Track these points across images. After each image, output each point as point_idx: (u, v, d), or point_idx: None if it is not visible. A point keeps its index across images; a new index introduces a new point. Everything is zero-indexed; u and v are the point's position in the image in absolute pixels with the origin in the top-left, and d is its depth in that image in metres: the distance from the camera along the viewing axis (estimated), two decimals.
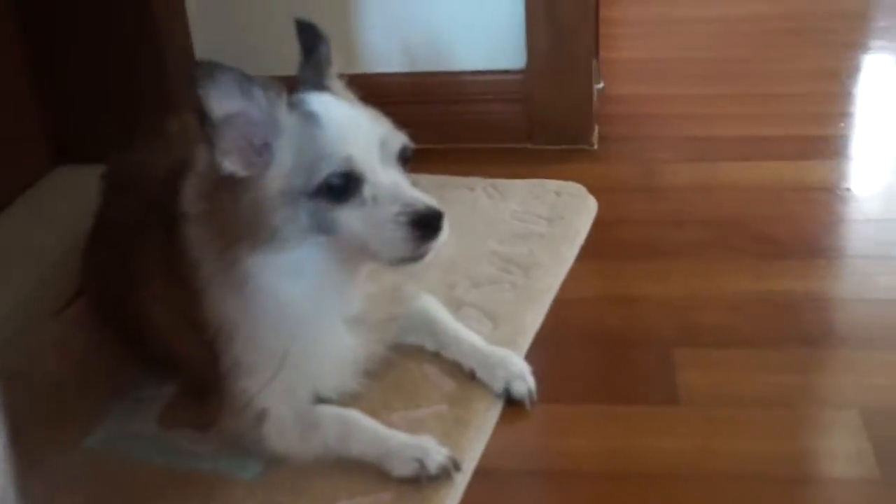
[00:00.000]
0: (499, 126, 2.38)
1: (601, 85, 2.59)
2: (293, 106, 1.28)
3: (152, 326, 1.47)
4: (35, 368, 1.62)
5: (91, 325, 1.69)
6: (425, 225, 1.24)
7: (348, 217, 1.25)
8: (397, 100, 2.37)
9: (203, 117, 1.21)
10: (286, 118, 1.27)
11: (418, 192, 1.28)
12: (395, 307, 1.51)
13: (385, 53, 2.39)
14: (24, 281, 1.89)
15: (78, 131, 2.33)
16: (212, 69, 1.20)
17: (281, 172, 1.25)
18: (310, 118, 1.27)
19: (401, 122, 2.25)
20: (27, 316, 1.79)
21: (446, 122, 2.39)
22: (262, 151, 1.26)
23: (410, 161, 1.33)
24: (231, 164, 1.25)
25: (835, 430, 1.39)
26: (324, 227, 1.26)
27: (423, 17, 2.34)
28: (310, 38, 1.39)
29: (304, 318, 1.35)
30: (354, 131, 1.27)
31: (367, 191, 1.25)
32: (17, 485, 0.88)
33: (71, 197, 2.14)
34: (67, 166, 2.35)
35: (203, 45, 2.39)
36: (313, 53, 1.39)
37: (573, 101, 2.33)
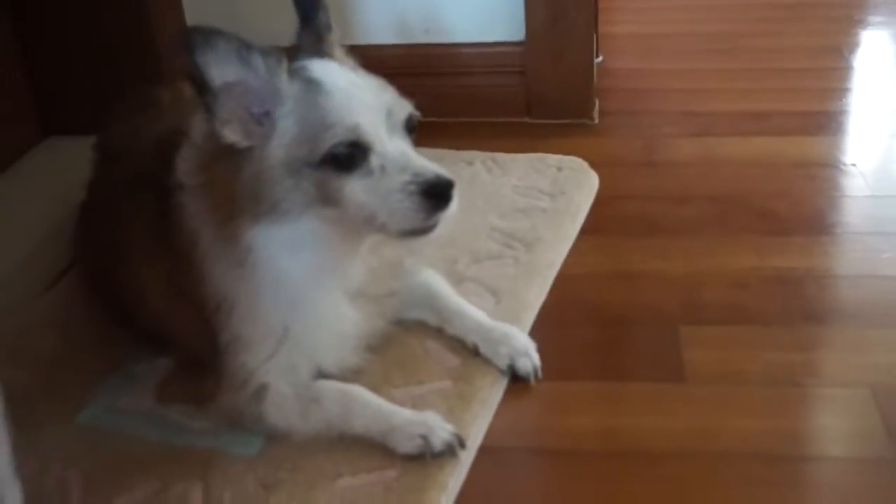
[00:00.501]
0: (497, 100, 2.35)
1: (600, 59, 2.57)
2: (294, 73, 1.24)
3: (146, 299, 1.45)
4: (27, 343, 1.59)
5: (84, 299, 1.66)
6: (436, 194, 1.20)
7: (354, 188, 1.21)
8: (394, 72, 2.31)
9: (201, 86, 1.17)
10: (287, 86, 1.23)
11: (427, 161, 1.24)
12: (395, 281, 1.48)
13: (381, 24, 2.35)
14: (14, 254, 1.86)
15: (68, 102, 2.29)
16: (210, 35, 1.16)
17: (283, 142, 1.22)
18: (312, 85, 1.23)
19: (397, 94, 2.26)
20: (18, 290, 1.75)
21: (443, 94, 2.35)
22: (262, 121, 1.22)
23: (416, 131, 1.30)
24: (231, 134, 1.21)
25: (844, 408, 1.38)
26: (329, 199, 1.22)
27: None
28: (307, 3, 1.36)
29: (304, 291, 1.32)
30: (360, 99, 1.23)
31: (374, 160, 1.21)
32: (14, 459, 0.85)
33: (61, 168, 2.10)
34: (57, 137, 2.31)
35: (194, 15, 2.34)
36: (311, 20, 1.35)
37: (573, 74, 2.30)
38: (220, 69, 1.17)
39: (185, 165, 1.31)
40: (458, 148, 2.17)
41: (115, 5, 2.20)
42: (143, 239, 1.42)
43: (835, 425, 1.36)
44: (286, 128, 1.22)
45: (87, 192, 1.68)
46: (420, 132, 2.23)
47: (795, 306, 1.60)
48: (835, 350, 1.51)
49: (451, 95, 2.35)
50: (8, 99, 2.25)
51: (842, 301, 1.63)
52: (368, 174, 1.21)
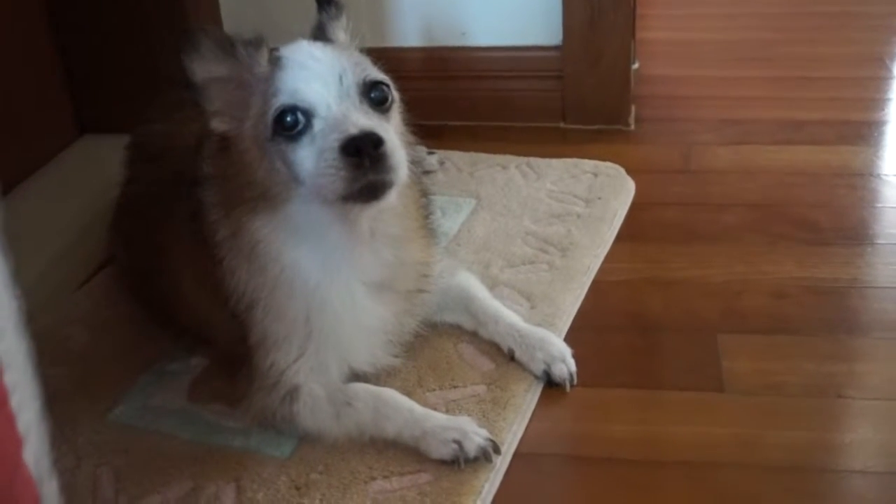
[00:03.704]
0: (533, 104, 2.34)
1: (637, 65, 2.54)
2: (273, 58, 1.25)
3: (182, 297, 1.45)
4: (61, 339, 1.59)
5: (118, 297, 1.67)
6: (354, 150, 1.14)
7: (303, 156, 1.19)
8: (430, 75, 2.36)
9: (189, 83, 1.23)
10: (262, 70, 1.24)
11: (367, 120, 1.18)
12: (423, 280, 1.45)
13: (417, 27, 2.35)
14: (48, 251, 1.86)
15: (104, 100, 2.29)
16: (195, 35, 1.22)
17: (252, 122, 1.23)
18: (276, 64, 1.24)
19: (431, 97, 2.26)
20: (52, 287, 1.76)
21: (479, 98, 2.35)
22: (246, 107, 1.24)
23: (392, 102, 1.25)
24: (220, 124, 1.26)
25: (887, 421, 1.34)
26: (295, 175, 1.21)
27: None
28: (328, 7, 1.37)
29: (318, 282, 1.31)
30: (308, 67, 1.22)
31: (317, 125, 1.19)
32: (51, 454, 0.84)
33: (96, 166, 2.11)
34: (93, 135, 2.32)
35: (231, 12, 2.34)
36: (322, 10, 1.36)
37: (610, 80, 2.28)
38: (204, 65, 1.23)
39: (206, 159, 1.33)
40: (492, 152, 2.16)
41: (154, 9, 2.21)
42: (180, 237, 1.42)
43: (878, 439, 1.33)
44: (253, 107, 1.23)
45: (122, 191, 1.69)
46: (455, 136, 2.26)
47: (837, 317, 1.57)
48: (877, 362, 1.47)
49: (487, 99, 2.34)
50: (44, 97, 2.26)
51: (884, 312, 1.59)
52: (312, 140, 1.19)
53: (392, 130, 1.23)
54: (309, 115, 1.19)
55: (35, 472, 0.80)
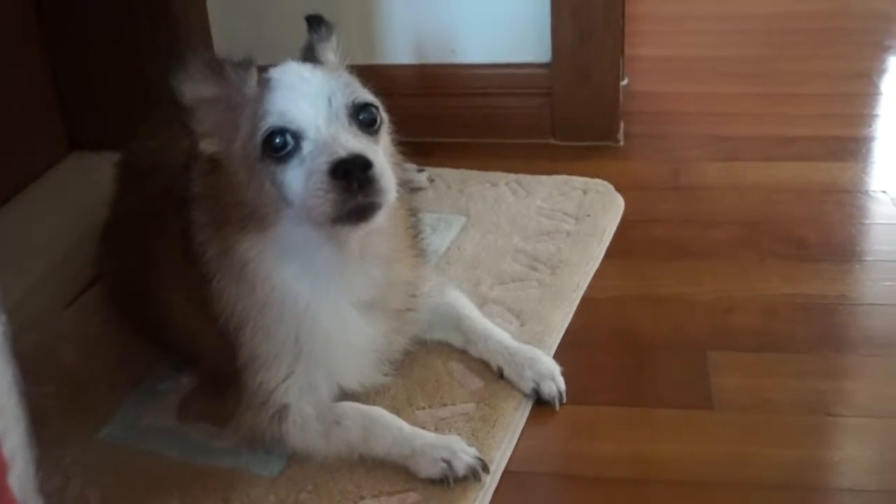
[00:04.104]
0: (522, 121, 2.35)
1: (626, 81, 2.55)
2: (262, 80, 1.26)
3: (171, 316, 1.44)
4: (48, 357, 1.58)
5: (106, 315, 1.66)
6: (343, 173, 1.15)
7: (292, 178, 1.19)
8: (419, 92, 2.36)
9: (178, 104, 1.23)
10: (251, 91, 1.24)
11: (359, 142, 1.19)
12: (412, 299, 1.45)
13: (407, 44, 2.36)
14: (37, 268, 1.86)
15: (95, 117, 2.30)
16: (184, 57, 1.22)
17: (241, 143, 1.23)
18: (265, 85, 1.24)
19: (421, 114, 2.26)
20: (41, 303, 1.75)
21: (469, 115, 2.36)
22: (234, 128, 1.24)
23: (381, 124, 1.26)
24: (209, 145, 1.26)
25: (876, 439, 1.34)
26: (284, 195, 1.21)
27: (448, 10, 2.31)
28: (313, 20, 1.38)
29: (307, 303, 1.31)
30: (297, 89, 1.22)
31: (306, 147, 1.19)
32: (37, 476, 0.84)
33: (86, 183, 2.10)
34: (83, 152, 2.32)
35: (222, 37, 2.35)
36: (313, 32, 1.37)
37: (599, 97, 2.29)
38: (193, 86, 1.24)
39: (196, 178, 1.33)
40: (482, 169, 2.17)
41: (144, 23, 2.21)
42: (170, 255, 1.42)
43: (867, 456, 1.33)
44: (242, 128, 1.23)
45: (111, 209, 1.68)
46: (445, 153, 2.26)
47: (826, 334, 1.57)
48: (866, 379, 1.48)
49: (477, 116, 2.35)
50: (35, 113, 2.26)
51: (873, 330, 1.59)
52: (302, 162, 1.19)
53: (381, 152, 1.23)
54: (298, 136, 1.19)
55: (20, 495, 0.80)
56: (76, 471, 1.33)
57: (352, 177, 1.15)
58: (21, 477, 0.81)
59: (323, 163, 1.16)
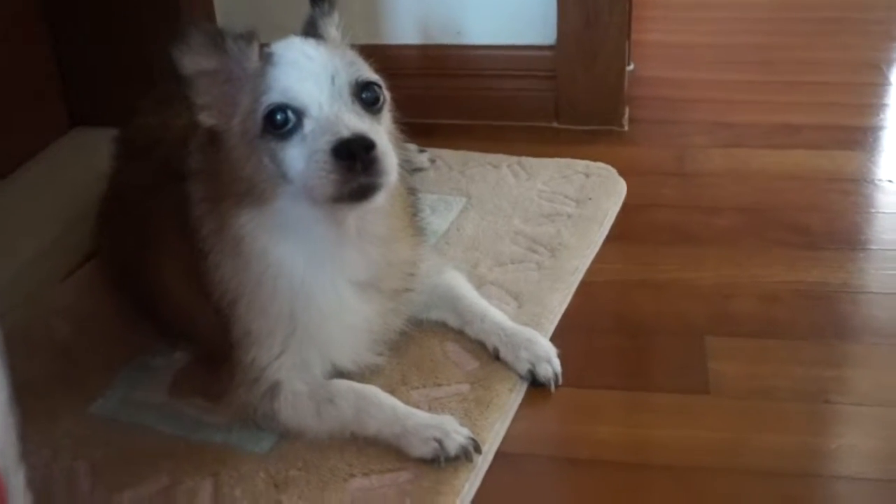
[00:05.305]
0: (526, 104, 2.33)
1: (632, 66, 2.53)
2: (264, 54, 1.24)
3: (167, 291, 1.43)
4: (43, 332, 1.58)
5: (102, 290, 1.65)
6: (346, 154, 1.14)
7: (293, 156, 1.18)
8: (424, 72, 2.34)
9: (178, 75, 1.22)
10: (253, 65, 1.23)
11: (362, 122, 1.18)
12: (410, 278, 1.44)
13: (412, 25, 2.34)
14: (35, 242, 1.85)
15: (96, 93, 2.28)
16: (185, 28, 1.21)
17: (240, 118, 1.22)
18: (268, 60, 1.23)
19: (425, 95, 2.24)
20: (37, 278, 1.74)
21: (473, 97, 2.34)
22: (234, 102, 1.23)
23: (384, 103, 1.25)
24: (208, 118, 1.25)
25: (875, 427, 1.33)
26: (283, 172, 1.20)
27: None
28: (320, 2, 1.35)
29: (302, 280, 1.30)
30: (300, 66, 1.21)
31: (307, 125, 1.18)
32: (20, 444, 0.83)
33: (86, 159, 2.09)
34: (84, 128, 2.31)
35: (226, 13, 2.32)
36: (315, 6, 1.35)
37: (604, 80, 2.27)
38: (193, 58, 1.22)
39: (194, 152, 1.32)
40: (485, 151, 2.15)
41: (147, 3, 2.20)
42: (167, 230, 1.41)
43: (866, 444, 1.31)
44: (243, 103, 1.22)
45: (109, 185, 1.67)
46: (448, 134, 2.24)
47: (827, 322, 1.56)
48: (866, 367, 1.46)
49: (481, 98, 2.33)
50: (36, 89, 2.25)
51: (874, 318, 1.58)
52: (302, 140, 1.18)
53: (383, 132, 1.22)
54: (300, 114, 1.18)
55: (1, 464, 0.79)
56: (66, 444, 1.32)
57: (355, 157, 1.14)
58: (1, 445, 0.80)
59: (326, 142, 1.15)
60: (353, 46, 1.33)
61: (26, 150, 2.18)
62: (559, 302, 1.60)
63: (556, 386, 1.41)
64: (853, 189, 1.99)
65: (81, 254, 1.78)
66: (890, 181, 2.00)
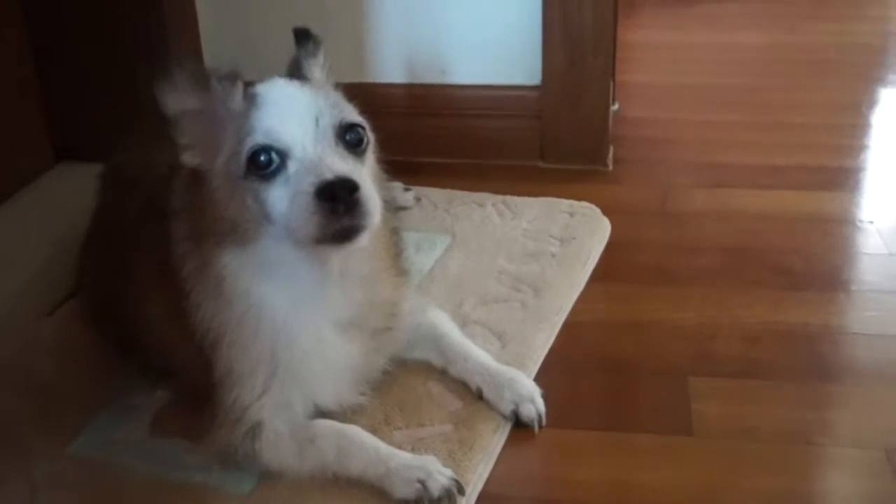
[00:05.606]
0: (511, 143, 2.34)
1: (616, 107, 2.55)
2: (248, 94, 1.25)
3: (148, 329, 1.43)
4: (23, 367, 1.57)
5: (84, 327, 1.64)
6: (330, 196, 1.14)
7: (276, 196, 1.18)
8: (409, 111, 2.36)
9: (162, 115, 1.22)
10: (237, 106, 1.23)
11: (345, 164, 1.18)
12: (392, 319, 1.43)
13: (397, 63, 2.35)
14: (18, 277, 1.84)
15: (80, 129, 2.28)
16: (169, 67, 1.21)
17: (224, 158, 1.22)
18: (252, 101, 1.23)
19: (410, 133, 2.25)
20: (19, 313, 1.73)
21: (458, 136, 2.35)
22: (218, 142, 1.23)
23: (367, 144, 1.25)
24: (192, 158, 1.25)
25: (857, 469, 1.33)
26: (267, 213, 1.20)
27: (439, 30, 2.31)
28: (301, 35, 1.37)
29: (284, 320, 1.29)
30: (284, 107, 1.21)
31: (291, 167, 1.18)
32: None
33: (70, 194, 2.09)
34: (69, 163, 2.30)
35: (213, 52, 2.34)
36: (300, 48, 1.36)
37: (588, 120, 2.29)
38: (178, 97, 1.22)
39: (177, 190, 1.32)
40: (470, 189, 2.16)
41: (133, 33, 2.21)
42: (149, 267, 1.40)
43: (847, 487, 1.32)
44: (226, 143, 1.22)
45: (92, 221, 1.67)
46: (433, 172, 2.25)
47: (809, 363, 1.56)
48: (848, 409, 1.46)
49: (466, 137, 2.34)
50: (20, 124, 2.24)
51: (856, 360, 1.58)
52: (286, 181, 1.18)
53: (366, 173, 1.23)
54: (284, 155, 1.18)
55: None
56: (44, 484, 1.31)
57: (338, 200, 1.14)
58: None
59: (309, 184, 1.15)
60: (338, 85, 1.34)
61: (11, 184, 2.17)
62: (543, 342, 1.60)
63: (540, 426, 1.40)
64: (835, 230, 2.01)
65: (67, 288, 1.77)
66: (871, 222, 2.02)
